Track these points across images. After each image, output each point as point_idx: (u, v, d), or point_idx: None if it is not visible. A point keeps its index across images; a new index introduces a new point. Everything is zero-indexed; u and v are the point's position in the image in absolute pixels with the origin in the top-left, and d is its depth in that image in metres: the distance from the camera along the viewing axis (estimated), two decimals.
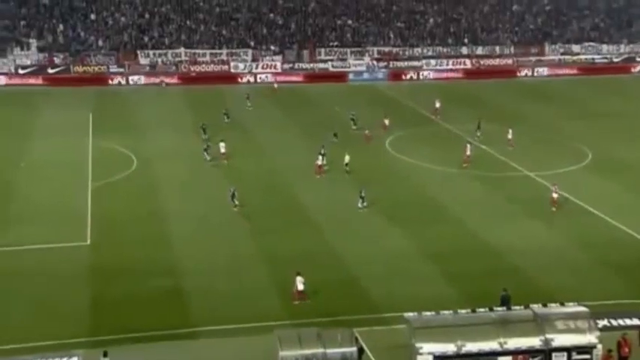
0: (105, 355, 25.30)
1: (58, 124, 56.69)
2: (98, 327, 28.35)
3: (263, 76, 77.57)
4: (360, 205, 40.42)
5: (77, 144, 51.12)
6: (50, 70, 74.67)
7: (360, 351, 25.29)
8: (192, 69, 78.74)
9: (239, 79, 77.23)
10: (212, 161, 48.04)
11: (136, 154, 50.10)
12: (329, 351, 24.62)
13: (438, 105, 62.85)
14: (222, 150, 48.42)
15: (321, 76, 78.85)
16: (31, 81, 72.37)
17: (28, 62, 75.64)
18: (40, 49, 77.68)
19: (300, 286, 30.12)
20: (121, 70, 76.91)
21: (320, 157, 46.37)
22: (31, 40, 77.66)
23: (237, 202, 39.97)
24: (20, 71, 73.90)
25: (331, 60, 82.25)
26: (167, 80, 75.17)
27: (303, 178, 45.85)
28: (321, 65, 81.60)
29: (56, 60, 76.75)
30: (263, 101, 67.33)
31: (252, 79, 77.22)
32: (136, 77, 75.23)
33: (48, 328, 28.18)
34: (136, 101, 66.75)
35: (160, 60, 79.40)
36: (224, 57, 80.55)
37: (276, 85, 72.95)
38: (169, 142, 52.93)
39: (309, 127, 58.12)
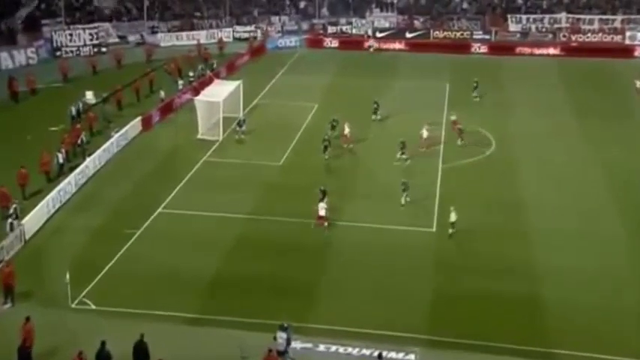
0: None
1: (411, 96, 59.11)
2: (434, 324, 29.13)
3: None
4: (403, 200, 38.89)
5: (430, 118, 52.65)
6: (408, 35, 78.48)
7: None
8: (573, 38, 76.27)
9: (635, 53, 72.73)
10: (328, 159, 45.46)
11: (494, 134, 50.25)
12: None
13: None
14: (346, 130, 47.35)
15: None
16: (389, 45, 76.84)
17: (387, 24, 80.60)
18: (400, 11, 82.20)
19: (322, 212, 35.90)
20: (486, 37, 77.59)
21: None
22: (393, 0, 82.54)
23: None
24: (378, 34, 78.93)
25: None
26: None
27: None
28: None
29: (416, 23, 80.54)
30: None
31: None
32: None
33: (383, 314, 29.78)
34: (498, 73, 66.63)
35: (533, 26, 78.45)
36: (617, 24, 76.59)
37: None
38: (536, 125, 52.02)
39: None
